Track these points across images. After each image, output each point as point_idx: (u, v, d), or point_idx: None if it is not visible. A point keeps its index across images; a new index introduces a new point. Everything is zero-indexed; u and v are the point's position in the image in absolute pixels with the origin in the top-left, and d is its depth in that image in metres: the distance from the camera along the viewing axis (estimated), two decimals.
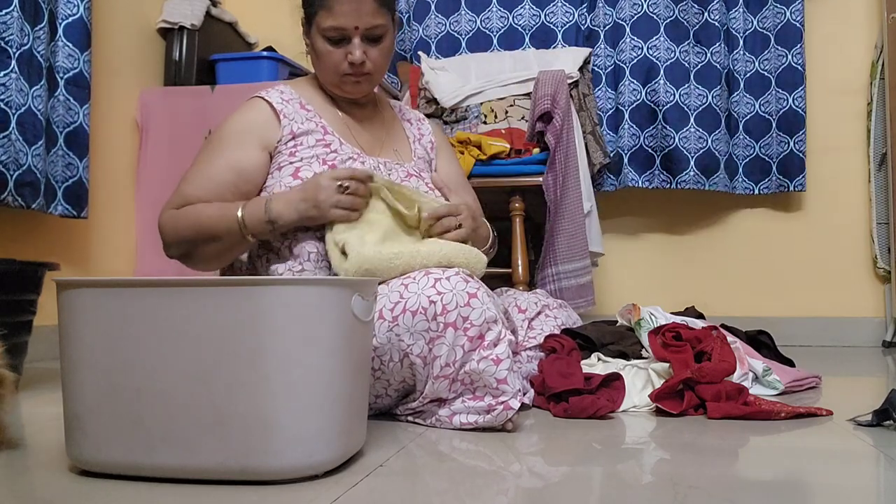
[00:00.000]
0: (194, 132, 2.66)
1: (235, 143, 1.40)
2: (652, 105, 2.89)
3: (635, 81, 2.90)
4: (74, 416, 0.92)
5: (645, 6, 2.90)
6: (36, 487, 0.92)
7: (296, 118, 1.43)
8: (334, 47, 1.40)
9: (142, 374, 0.89)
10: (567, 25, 3.01)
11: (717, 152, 2.87)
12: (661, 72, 2.87)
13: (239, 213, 1.31)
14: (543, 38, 3.01)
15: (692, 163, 2.86)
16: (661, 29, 2.89)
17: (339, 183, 1.27)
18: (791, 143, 2.86)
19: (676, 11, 2.90)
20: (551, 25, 3.02)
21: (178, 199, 1.38)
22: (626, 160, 2.91)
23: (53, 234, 2.34)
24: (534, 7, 3.03)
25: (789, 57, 2.86)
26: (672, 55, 2.88)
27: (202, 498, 0.84)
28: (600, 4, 2.97)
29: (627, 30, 2.91)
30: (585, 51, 2.70)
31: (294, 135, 1.41)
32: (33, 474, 0.98)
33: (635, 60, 2.90)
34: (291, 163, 1.39)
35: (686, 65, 2.88)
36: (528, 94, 2.52)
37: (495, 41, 3.05)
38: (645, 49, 2.89)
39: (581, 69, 2.61)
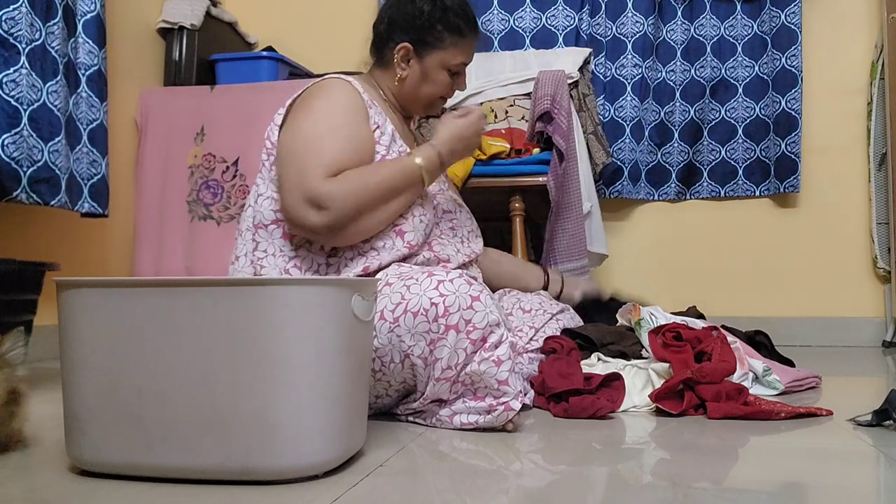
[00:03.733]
0: (194, 132, 2.67)
1: (357, 117, 1.41)
2: (641, 120, 2.98)
3: (635, 97, 2.96)
4: (74, 416, 0.92)
5: (644, 26, 2.96)
6: (36, 487, 0.92)
7: (372, 109, 1.47)
8: (451, 79, 1.56)
9: (142, 373, 0.89)
10: (568, 29, 3.01)
11: (697, 163, 3.00)
12: (652, 88, 2.98)
13: (419, 161, 1.38)
14: (544, 41, 3.02)
15: (674, 175, 2.99)
16: (655, 46, 2.98)
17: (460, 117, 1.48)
18: (783, 145, 2.87)
19: (664, 32, 2.98)
20: (552, 28, 3.02)
21: (330, 167, 1.31)
22: (626, 172, 3.00)
23: (57, 233, 2.34)
24: (535, 10, 3.04)
25: (783, 59, 2.87)
26: (659, 74, 2.98)
27: (202, 498, 0.84)
28: (601, 12, 2.99)
29: (629, 46, 2.96)
30: (585, 51, 2.70)
31: (378, 124, 1.45)
32: (33, 474, 0.98)
33: (636, 77, 2.97)
34: (378, 152, 1.43)
35: (671, 83, 2.98)
36: (528, 94, 2.51)
37: (496, 43, 3.06)
38: (643, 68, 2.97)
39: (581, 69, 2.61)
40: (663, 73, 2.99)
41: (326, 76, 1.49)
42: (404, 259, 1.41)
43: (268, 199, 1.43)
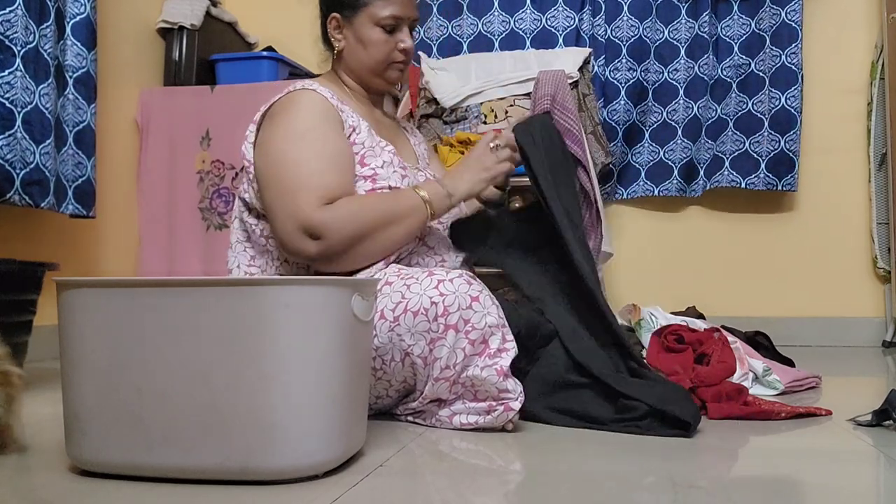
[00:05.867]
0: (194, 132, 2.67)
1: (331, 129, 1.38)
2: (638, 123, 3.02)
3: (629, 102, 3.00)
4: (74, 416, 0.92)
5: (640, 30, 2.99)
6: (36, 487, 0.92)
7: (344, 111, 1.44)
8: (388, 36, 1.47)
9: (142, 373, 0.89)
10: (568, 30, 3.02)
11: (697, 160, 2.99)
12: (651, 91, 3.01)
13: (423, 194, 1.35)
14: (544, 42, 3.02)
15: (675, 171, 3.00)
16: (653, 51, 3.01)
17: (492, 145, 1.43)
18: (782, 142, 2.87)
19: (666, 32, 3.00)
20: (552, 29, 3.03)
21: (320, 193, 1.29)
22: (615, 175, 3.05)
23: (55, 234, 2.34)
24: (535, 11, 3.04)
25: (783, 57, 2.87)
26: (661, 76, 3.01)
27: (202, 498, 0.84)
28: (601, 14, 3.00)
29: (624, 50, 3.00)
30: (586, 51, 2.70)
31: (353, 127, 1.43)
32: (33, 474, 0.98)
33: (631, 81, 3.01)
34: (357, 152, 1.40)
35: (674, 83, 2.99)
36: (528, 94, 2.52)
37: (496, 45, 3.06)
38: (638, 72, 3.00)
39: (581, 69, 2.61)
40: (665, 74, 2.99)
41: (290, 89, 1.45)
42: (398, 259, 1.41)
43: (237, 220, 1.46)
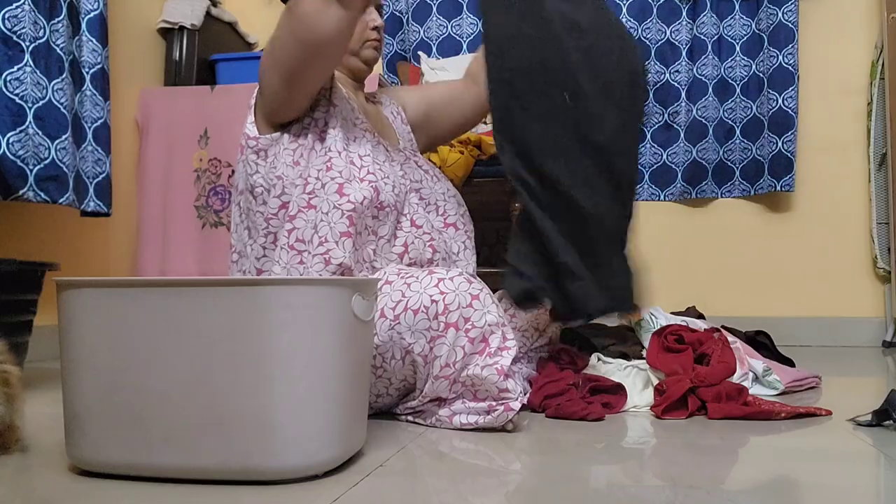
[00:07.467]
0: (193, 131, 2.67)
1: None
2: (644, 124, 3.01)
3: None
4: (74, 416, 0.92)
5: (638, 31, 3.00)
6: (36, 487, 0.92)
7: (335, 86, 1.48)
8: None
9: (142, 374, 0.89)
10: None
11: (704, 161, 2.99)
12: (652, 92, 3.03)
13: None
14: None
15: (679, 175, 3.01)
16: (653, 52, 3.02)
17: None
18: (780, 144, 2.87)
19: (668, 33, 3.00)
20: None
21: None
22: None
23: (58, 233, 2.34)
24: None
25: (780, 57, 2.87)
26: (662, 77, 3.01)
27: (202, 498, 0.84)
28: None
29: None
30: None
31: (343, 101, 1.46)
32: (33, 474, 0.98)
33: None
34: (357, 125, 1.44)
35: (675, 84, 3.00)
36: None
37: None
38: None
39: None
40: (667, 75, 2.99)
41: None
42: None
43: (242, 227, 1.44)
